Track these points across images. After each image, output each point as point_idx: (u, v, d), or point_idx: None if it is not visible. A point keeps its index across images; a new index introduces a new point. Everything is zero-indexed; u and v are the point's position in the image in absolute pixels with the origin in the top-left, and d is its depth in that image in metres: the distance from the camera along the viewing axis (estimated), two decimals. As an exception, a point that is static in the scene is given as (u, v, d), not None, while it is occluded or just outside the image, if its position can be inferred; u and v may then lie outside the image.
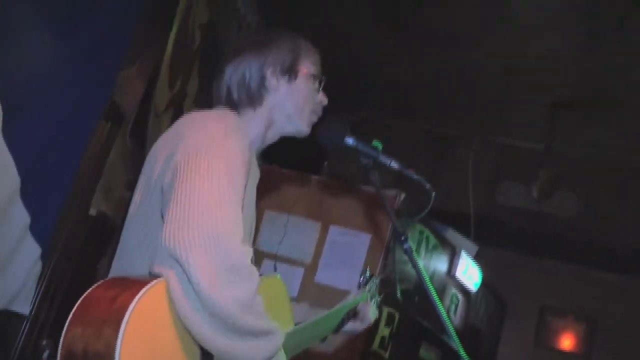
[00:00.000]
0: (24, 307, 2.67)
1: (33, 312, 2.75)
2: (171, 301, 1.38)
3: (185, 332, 1.41)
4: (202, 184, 1.45)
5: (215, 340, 1.39)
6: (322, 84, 1.94)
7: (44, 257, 2.67)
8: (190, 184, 1.45)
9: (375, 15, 4.43)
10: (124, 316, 1.30)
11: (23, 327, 2.74)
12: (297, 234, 3.86)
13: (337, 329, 2.13)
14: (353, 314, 2.18)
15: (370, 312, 2.22)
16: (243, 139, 1.66)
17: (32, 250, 2.60)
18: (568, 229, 5.61)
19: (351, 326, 2.19)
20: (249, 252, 1.44)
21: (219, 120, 1.69)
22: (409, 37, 4.59)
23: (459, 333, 1.75)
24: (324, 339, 2.08)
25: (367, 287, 2.27)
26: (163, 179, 1.56)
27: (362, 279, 2.30)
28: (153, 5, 3.18)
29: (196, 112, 1.75)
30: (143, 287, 1.35)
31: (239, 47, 1.91)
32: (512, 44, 4.38)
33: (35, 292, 2.75)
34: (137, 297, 1.33)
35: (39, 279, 2.75)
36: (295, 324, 1.87)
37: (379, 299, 2.32)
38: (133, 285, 1.37)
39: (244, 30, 4.26)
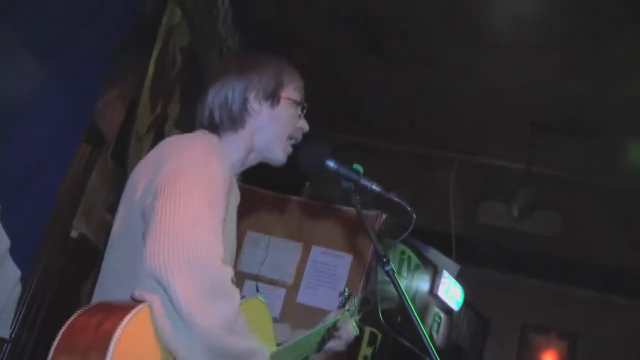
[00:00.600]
0: (3, 330, 2.65)
1: (13, 335, 2.72)
2: (155, 327, 1.38)
3: (171, 356, 1.41)
4: (182, 206, 1.46)
5: None
6: (304, 111, 1.96)
7: (23, 280, 2.65)
8: (170, 206, 1.46)
9: (354, 40, 4.47)
10: (110, 343, 1.30)
11: (3, 351, 2.70)
12: (279, 254, 3.87)
13: (319, 349, 2.15)
14: (333, 332, 2.19)
15: (350, 331, 2.24)
16: (223, 161, 1.67)
17: (11, 274, 2.57)
18: (549, 248, 5.64)
19: (332, 344, 2.21)
20: (229, 271, 1.45)
21: (199, 143, 1.71)
22: (388, 60, 4.63)
23: (441, 352, 1.77)
24: (306, 359, 2.09)
25: (347, 307, 2.30)
26: (144, 203, 1.56)
27: (341, 299, 2.32)
28: (134, 29, 3.19)
29: (177, 135, 1.76)
30: (127, 313, 1.35)
31: (222, 69, 1.93)
32: (492, 67, 4.44)
33: (15, 316, 2.72)
34: (122, 324, 1.33)
35: (19, 302, 2.72)
36: (278, 345, 1.88)
37: (358, 318, 2.35)
38: (117, 311, 1.37)
39: (225, 53, 4.29)
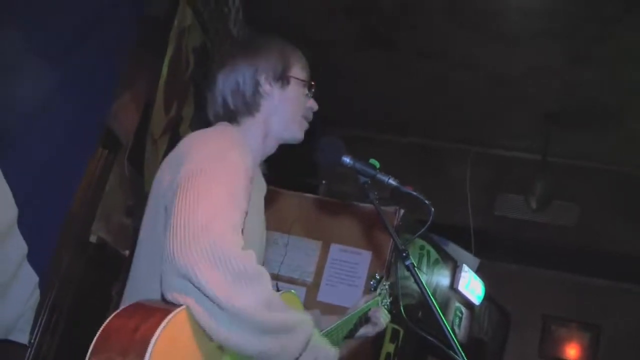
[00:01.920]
0: (22, 336, 2.64)
1: (36, 341, 2.71)
2: (195, 329, 1.38)
3: (211, 358, 1.41)
4: (200, 200, 1.45)
5: (257, 345, 1.40)
6: (312, 90, 1.95)
7: (42, 285, 2.64)
8: (189, 201, 1.45)
9: (361, 32, 4.45)
10: (147, 347, 1.27)
11: (26, 357, 2.70)
12: (297, 253, 3.84)
13: (351, 335, 2.14)
14: (365, 319, 2.18)
15: (382, 316, 2.22)
16: (245, 151, 1.66)
17: (29, 280, 2.57)
18: (568, 238, 5.60)
19: (364, 331, 2.20)
20: (252, 255, 1.43)
21: (219, 136, 1.70)
22: (397, 53, 4.61)
23: (463, 346, 1.73)
24: (338, 346, 2.08)
25: (378, 291, 2.28)
26: (167, 199, 1.56)
27: (372, 283, 2.31)
28: (147, 30, 3.17)
29: (197, 131, 1.74)
30: (164, 316, 1.33)
31: (228, 55, 1.92)
32: (501, 57, 4.41)
33: (37, 322, 2.71)
34: (160, 328, 1.31)
35: (41, 308, 2.71)
36: None
37: (389, 301, 2.33)
38: (153, 313, 1.35)
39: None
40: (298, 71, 1.91)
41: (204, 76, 3.88)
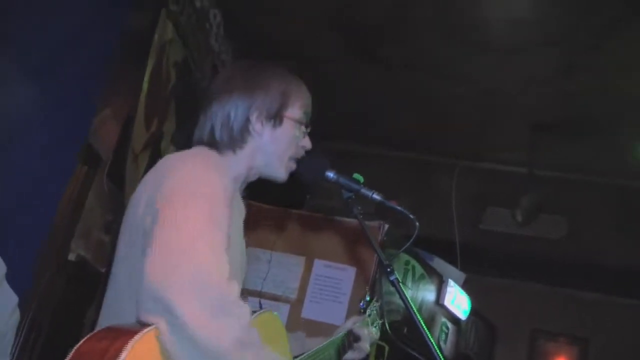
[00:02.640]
0: (4, 358, 2.62)
1: (13, 362, 2.70)
2: (163, 350, 1.36)
3: None
4: (180, 224, 1.44)
5: None
6: (308, 129, 1.95)
7: (22, 305, 2.63)
8: (168, 225, 1.44)
9: (346, 46, 4.48)
10: None
11: (3, 378, 2.68)
12: (281, 269, 3.85)
13: (339, 358, 2.12)
14: (354, 340, 2.18)
15: (370, 339, 2.22)
16: (224, 175, 1.66)
17: (9, 300, 2.56)
18: (555, 252, 5.63)
19: (351, 356, 2.20)
20: (235, 287, 1.43)
21: (198, 158, 1.70)
22: (382, 66, 4.64)
23: (450, 362, 1.76)
24: None
25: (368, 312, 2.28)
26: (144, 223, 1.55)
27: (362, 303, 2.31)
28: (127, 44, 3.19)
29: (176, 153, 1.76)
30: (133, 336, 1.33)
31: (228, 82, 1.91)
32: (488, 68, 4.44)
33: (15, 341, 2.70)
34: (128, 347, 1.31)
35: (18, 328, 2.70)
36: (294, 358, 1.87)
37: (380, 323, 2.33)
38: (122, 335, 1.35)
39: (219, 67, 4.29)
40: (295, 110, 1.90)
41: (185, 91, 3.89)
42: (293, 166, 1.94)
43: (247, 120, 1.84)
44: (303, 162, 1.95)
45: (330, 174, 1.93)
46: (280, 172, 1.91)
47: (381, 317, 2.36)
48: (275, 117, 1.87)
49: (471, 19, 4.02)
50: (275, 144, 1.87)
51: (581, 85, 4.40)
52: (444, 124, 5.29)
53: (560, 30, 3.96)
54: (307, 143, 1.96)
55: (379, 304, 2.33)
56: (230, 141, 1.84)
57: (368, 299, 2.31)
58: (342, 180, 1.93)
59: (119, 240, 1.70)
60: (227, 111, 1.84)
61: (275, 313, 1.88)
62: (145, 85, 3.40)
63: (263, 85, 1.88)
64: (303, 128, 1.93)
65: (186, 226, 1.44)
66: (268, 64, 1.97)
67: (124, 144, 3.27)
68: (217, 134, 1.84)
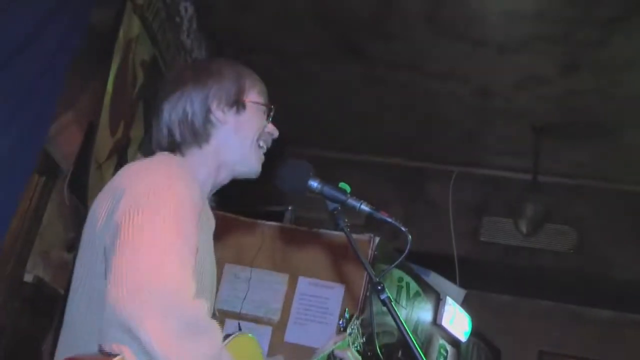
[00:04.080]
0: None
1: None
2: None
3: None
4: (144, 240, 1.44)
5: None
6: (272, 114, 1.96)
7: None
8: (131, 242, 1.44)
9: (332, 42, 4.50)
10: None
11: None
12: (262, 288, 3.84)
13: None
14: None
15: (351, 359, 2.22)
16: (191, 183, 1.65)
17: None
18: (564, 265, 5.64)
19: None
20: (203, 305, 1.43)
21: (161, 166, 1.69)
22: (372, 64, 4.67)
23: (448, 390, 1.76)
24: None
25: (348, 331, 2.28)
26: (104, 241, 1.55)
27: (341, 322, 2.30)
28: (90, 42, 3.18)
29: (135, 162, 1.75)
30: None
31: (175, 81, 1.92)
32: (487, 67, 4.47)
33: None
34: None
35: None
36: None
37: (362, 342, 2.33)
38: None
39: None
40: (255, 95, 1.93)
41: (155, 93, 3.89)
42: (263, 153, 1.95)
43: (208, 111, 1.85)
44: (283, 170, 1.95)
45: (314, 183, 1.92)
46: (252, 163, 1.91)
47: (363, 335, 2.35)
48: (237, 102, 1.88)
49: (465, 13, 4.05)
50: (242, 131, 1.88)
51: (586, 84, 4.44)
52: (438, 126, 5.31)
53: (562, 25, 3.99)
54: (272, 129, 1.97)
55: (359, 321, 2.33)
56: (193, 138, 1.84)
57: (347, 316, 2.31)
58: (327, 190, 1.92)
59: (76, 260, 1.69)
60: (181, 108, 1.84)
61: (251, 335, 1.86)
62: (109, 87, 3.39)
63: (214, 74, 1.90)
64: (266, 113, 1.95)
65: (150, 242, 1.43)
66: (213, 57, 1.99)
67: (87, 152, 3.26)
68: (177, 134, 1.84)
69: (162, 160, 1.76)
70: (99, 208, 1.64)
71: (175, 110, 1.85)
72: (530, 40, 4.14)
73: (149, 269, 1.38)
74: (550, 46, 4.16)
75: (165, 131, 1.85)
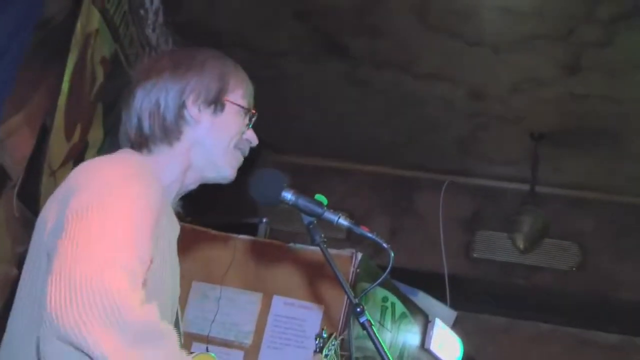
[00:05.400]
0: None
1: None
2: None
3: None
4: (91, 240, 1.43)
5: None
6: (253, 120, 1.96)
7: None
8: (75, 243, 1.42)
9: (313, 39, 4.52)
10: None
11: None
12: (232, 309, 3.84)
13: None
14: None
15: None
16: (151, 182, 1.65)
17: None
18: (564, 284, 5.68)
19: None
20: (151, 309, 1.42)
21: (117, 163, 1.68)
22: (356, 64, 4.69)
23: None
24: None
25: (324, 353, 2.27)
26: (49, 246, 1.54)
27: (317, 342, 2.30)
28: (42, 37, 3.17)
29: (90, 160, 1.73)
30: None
31: (153, 66, 1.91)
32: (482, 69, 4.50)
33: None
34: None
35: None
36: None
37: None
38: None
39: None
40: (238, 96, 1.91)
41: (115, 93, 3.88)
42: (240, 162, 1.94)
43: (182, 105, 1.84)
44: (255, 179, 1.95)
45: (287, 195, 1.92)
46: (225, 168, 1.90)
47: (342, 357, 2.35)
48: (216, 102, 1.87)
49: (458, 8, 4.08)
50: (217, 133, 1.87)
51: (588, 87, 4.49)
52: (427, 132, 5.33)
53: (563, 23, 4.04)
54: (252, 137, 1.96)
55: (338, 341, 2.33)
56: (163, 133, 1.83)
57: (325, 335, 2.31)
58: (302, 202, 1.92)
59: (22, 273, 1.68)
60: (154, 98, 1.84)
61: (213, 354, 1.86)
62: (65, 86, 3.38)
63: (197, 66, 1.88)
64: (247, 118, 1.94)
65: (95, 246, 1.42)
66: (201, 47, 1.97)
67: (39, 158, 3.25)
68: (146, 126, 1.83)
69: (121, 158, 1.76)
70: (48, 212, 1.63)
71: (148, 98, 1.84)
72: (528, 39, 4.18)
73: (89, 274, 1.37)
74: (550, 45, 4.21)
75: (135, 120, 1.85)
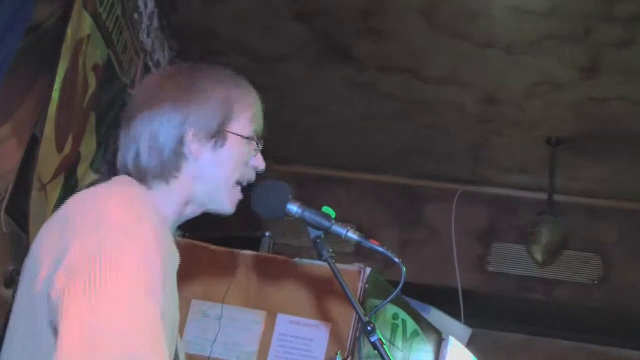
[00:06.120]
0: None
1: None
2: None
3: None
4: (108, 297, 1.40)
5: None
6: (260, 146, 1.95)
7: None
8: (94, 298, 1.39)
9: (314, 43, 4.53)
10: None
11: None
12: (234, 328, 3.83)
13: None
14: None
15: None
16: (156, 220, 1.63)
17: None
18: (585, 299, 5.66)
19: None
20: None
21: (121, 199, 1.64)
22: (360, 68, 4.69)
23: None
24: None
25: None
26: (51, 287, 1.49)
27: None
28: (31, 43, 3.18)
29: (86, 191, 1.69)
30: None
31: (153, 90, 1.90)
32: (494, 72, 4.51)
33: None
34: None
35: None
36: None
37: None
38: None
39: (152, 69, 4.30)
40: (242, 124, 1.90)
41: (110, 101, 3.89)
42: (239, 196, 1.93)
43: (181, 142, 1.83)
44: (258, 192, 1.95)
45: (293, 208, 1.93)
46: (224, 203, 1.90)
47: None
48: (217, 135, 1.86)
49: (468, 8, 4.08)
50: (218, 168, 1.86)
51: (608, 90, 4.49)
52: (437, 139, 5.32)
53: (581, 21, 4.03)
54: (259, 162, 1.95)
55: None
56: (160, 169, 1.82)
57: (339, 358, 2.31)
58: (308, 215, 1.92)
59: (15, 303, 1.67)
60: (154, 130, 1.83)
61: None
62: (55, 95, 3.37)
63: (198, 92, 1.87)
64: (253, 144, 1.93)
65: (114, 300, 1.40)
66: (203, 65, 1.95)
67: (28, 171, 3.24)
68: (144, 159, 1.82)
69: (121, 192, 1.72)
70: (44, 244, 1.60)
71: (149, 129, 1.83)
72: (542, 39, 4.18)
73: (109, 333, 1.35)
74: (566, 46, 4.20)
75: (133, 151, 1.84)
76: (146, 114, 1.85)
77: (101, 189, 1.72)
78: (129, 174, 1.84)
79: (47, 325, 1.53)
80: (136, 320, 1.39)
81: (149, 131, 1.83)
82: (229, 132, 1.87)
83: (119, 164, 1.88)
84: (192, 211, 1.90)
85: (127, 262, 1.47)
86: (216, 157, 1.86)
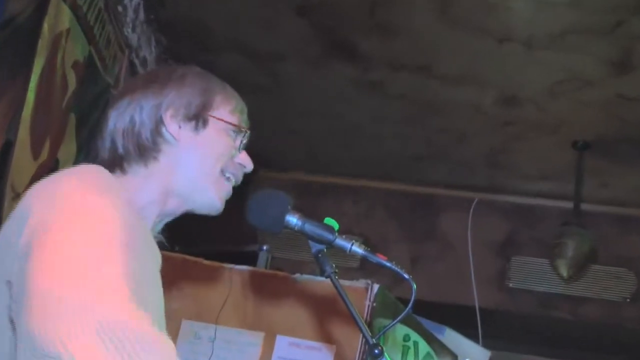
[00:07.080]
0: None
1: None
2: None
3: None
4: (69, 249, 1.42)
5: None
6: (245, 139, 1.96)
7: None
8: (52, 254, 1.42)
9: (317, 39, 4.52)
10: None
11: None
12: (229, 351, 3.84)
13: None
14: None
15: None
16: (119, 200, 1.63)
17: None
18: (616, 318, 5.66)
19: None
20: (148, 321, 1.41)
21: (78, 177, 1.66)
22: (367, 66, 4.70)
23: None
24: None
25: None
26: (9, 273, 1.52)
27: None
28: (4, 41, 3.18)
29: (47, 178, 1.69)
30: None
31: (128, 86, 1.97)
32: (514, 70, 4.50)
33: None
34: None
35: None
36: None
37: None
38: None
39: (138, 67, 4.30)
40: (225, 112, 1.93)
41: (92, 101, 3.88)
42: (228, 190, 1.94)
43: (159, 121, 1.85)
44: (254, 202, 1.94)
45: (293, 219, 1.91)
46: (210, 194, 1.90)
47: None
48: (198, 116, 1.89)
49: (486, 0, 4.06)
50: (200, 152, 1.88)
51: (638, 90, 4.47)
52: (452, 143, 5.33)
53: (610, 14, 4.02)
54: (246, 161, 1.96)
55: None
56: (138, 152, 1.84)
57: None
58: (309, 227, 1.90)
59: None
60: (129, 115, 1.86)
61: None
62: (30, 96, 3.37)
63: (175, 79, 1.91)
64: (238, 137, 1.95)
65: (76, 250, 1.42)
66: (185, 66, 1.99)
67: (1, 180, 3.24)
68: (120, 146, 1.85)
69: (80, 172, 1.72)
70: (3, 235, 1.62)
71: (122, 117, 1.86)
72: (567, 33, 4.17)
73: (69, 285, 1.36)
74: (593, 41, 4.19)
75: (108, 142, 1.87)
76: (123, 102, 1.89)
77: (59, 173, 1.71)
78: (103, 165, 1.84)
79: (5, 315, 1.54)
80: (96, 266, 1.40)
81: (123, 119, 1.87)
82: (210, 115, 1.90)
83: (91, 158, 1.89)
84: (175, 206, 1.90)
85: (79, 230, 1.47)
86: (197, 140, 1.89)
